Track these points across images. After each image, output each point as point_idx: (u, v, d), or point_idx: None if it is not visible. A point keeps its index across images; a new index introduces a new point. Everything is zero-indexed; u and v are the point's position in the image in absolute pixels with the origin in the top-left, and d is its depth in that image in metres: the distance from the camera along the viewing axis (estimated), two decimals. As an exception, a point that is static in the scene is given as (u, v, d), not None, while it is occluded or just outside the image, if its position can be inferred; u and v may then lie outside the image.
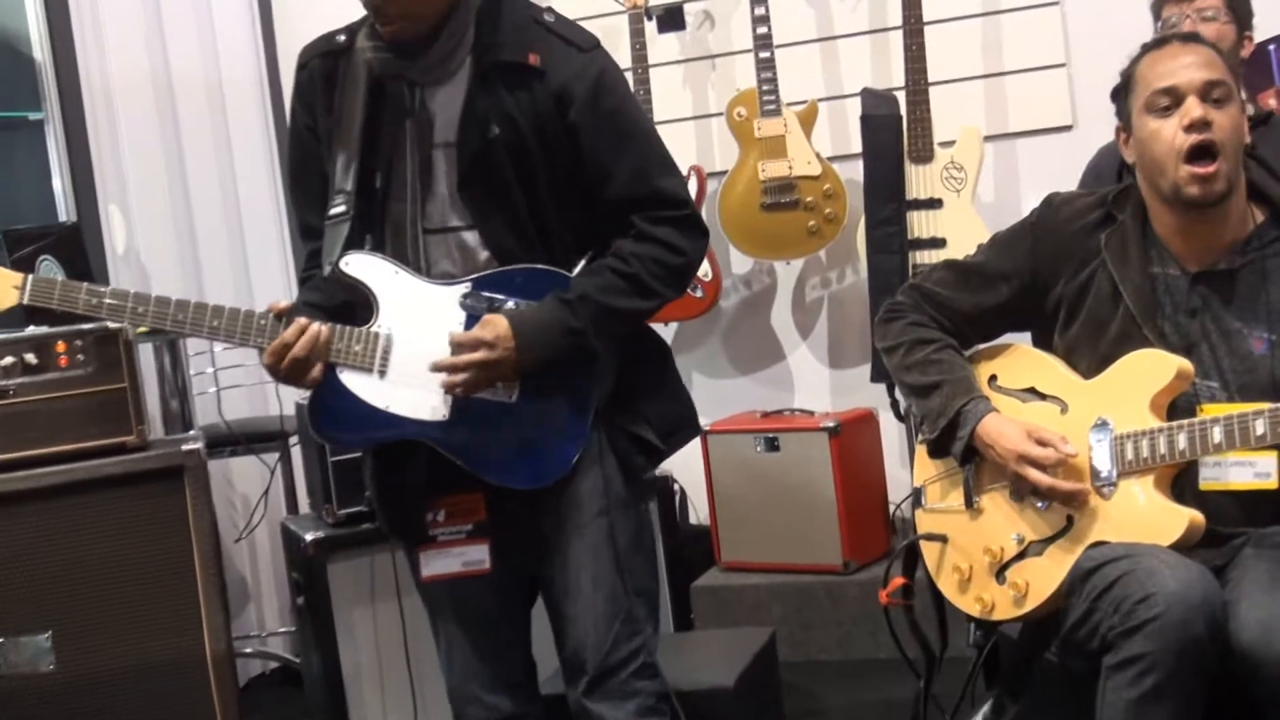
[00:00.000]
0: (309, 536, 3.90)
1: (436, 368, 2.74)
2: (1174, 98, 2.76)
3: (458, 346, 2.73)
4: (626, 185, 2.80)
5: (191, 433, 4.40)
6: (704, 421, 4.79)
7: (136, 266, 5.22)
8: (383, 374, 2.78)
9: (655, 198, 2.82)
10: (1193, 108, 2.73)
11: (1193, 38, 2.85)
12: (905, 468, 4.57)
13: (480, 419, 2.78)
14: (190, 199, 5.37)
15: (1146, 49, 2.87)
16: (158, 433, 4.63)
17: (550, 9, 2.88)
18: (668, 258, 2.81)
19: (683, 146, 5.18)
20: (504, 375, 2.75)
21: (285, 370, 2.74)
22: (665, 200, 2.83)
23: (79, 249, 4.59)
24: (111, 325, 3.66)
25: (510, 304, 2.77)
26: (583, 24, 2.88)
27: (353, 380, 2.78)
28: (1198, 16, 3.69)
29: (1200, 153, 2.72)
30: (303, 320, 2.74)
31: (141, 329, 3.15)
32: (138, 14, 5.26)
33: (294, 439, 4.84)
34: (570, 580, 2.85)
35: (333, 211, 2.82)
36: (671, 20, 5.19)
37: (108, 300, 2.75)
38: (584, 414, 2.81)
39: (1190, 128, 2.72)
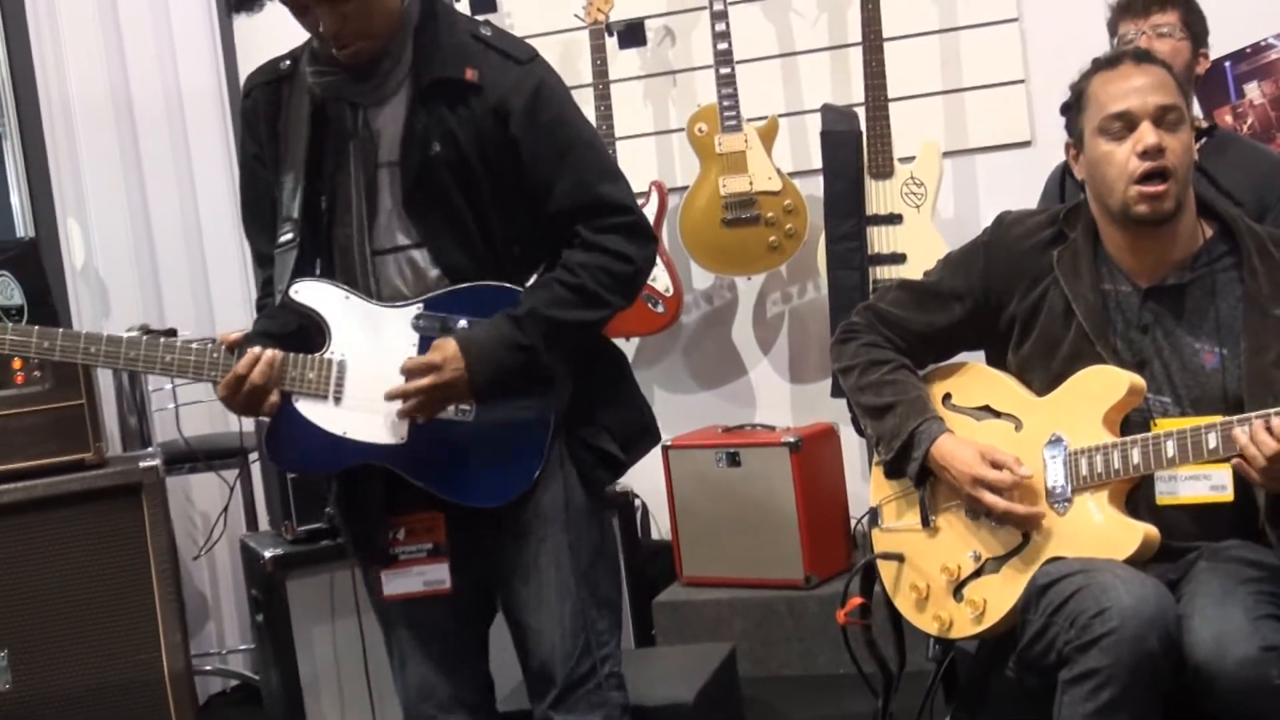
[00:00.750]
0: (268, 553, 3.89)
1: (390, 396, 2.74)
2: (1127, 122, 2.77)
3: (408, 373, 2.73)
4: (569, 195, 2.79)
5: (149, 450, 4.39)
6: (665, 437, 4.80)
7: (95, 282, 5.20)
8: (338, 400, 2.78)
9: (599, 206, 2.81)
10: (1147, 134, 2.74)
11: (1145, 57, 2.85)
12: (866, 482, 4.57)
13: (438, 440, 2.78)
14: (149, 214, 5.34)
15: (1098, 66, 2.88)
16: (116, 450, 4.60)
17: (488, 22, 2.87)
18: (615, 266, 2.80)
19: (644, 162, 5.18)
20: (458, 396, 2.75)
21: (242, 400, 2.73)
22: (609, 208, 2.82)
23: (37, 264, 4.56)
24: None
25: (463, 323, 2.76)
26: (544, 39, 2.89)
27: (308, 408, 2.78)
28: (1153, 33, 3.69)
29: (1151, 175, 2.74)
30: (255, 350, 2.73)
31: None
32: (97, 29, 5.24)
33: (254, 455, 4.82)
34: (534, 593, 2.84)
35: (281, 239, 2.81)
36: (632, 36, 5.19)
37: (60, 343, 2.75)
38: (542, 429, 2.81)
39: (1144, 154, 2.73)
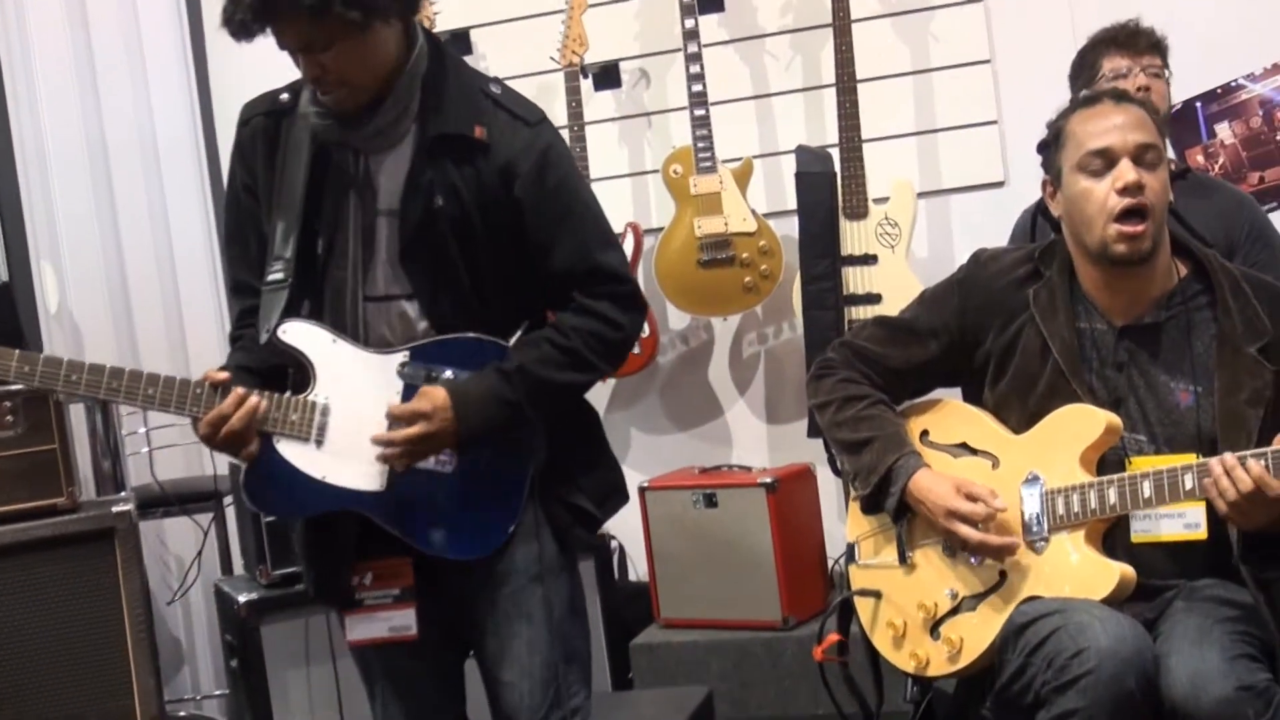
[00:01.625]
0: (242, 598, 3.87)
1: (376, 441, 2.73)
2: (1107, 159, 2.78)
3: (395, 420, 2.72)
4: (568, 260, 2.80)
5: (123, 494, 4.35)
6: (642, 478, 4.81)
7: (69, 325, 5.18)
8: (319, 443, 2.76)
9: (596, 273, 2.82)
10: (1126, 171, 2.75)
11: (1124, 96, 2.87)
12: (843, 522, 4.56)
13: (417, 489, 2.77)
14: (124, 258, 5.34)
15: (1077, 105, 2.89)
16: (90, 494, 4.57)
17: (497, 79, 2.87)
18: (606, 332, 2.82)
19: (619, 203, 5.18)
20: (441, 447, 2.75)
21: (221, 441, 2.72)
22: (606, 275, 2.83)
23: (11, 307, 4.55)
24: (43, 386, 3.63)
25: (448, 373, 2.76)
26: (519, 81, 2.88)
27: (289, 449, 2.76)
28: (1146, 73, 3.69)
29: (1130, 213, 2.75)
30: (240, 391, 2.71)
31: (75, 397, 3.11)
32: (71, 71, 5.24)
33: (228, 499, 4.80)
34: (504, 646, 2.83)
35: (271, 278, 2.79)
36: (607, 78, 5.21)
37: (41, 368, 2.71)
38: (520, 484, 2.81)
39: (1124, 191, 2.75)
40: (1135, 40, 3.74)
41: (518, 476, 2.81)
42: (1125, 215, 2.75)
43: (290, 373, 2.82)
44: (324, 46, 2.64)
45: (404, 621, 2.84)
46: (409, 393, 2.76)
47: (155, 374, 2.73)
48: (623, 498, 3.00)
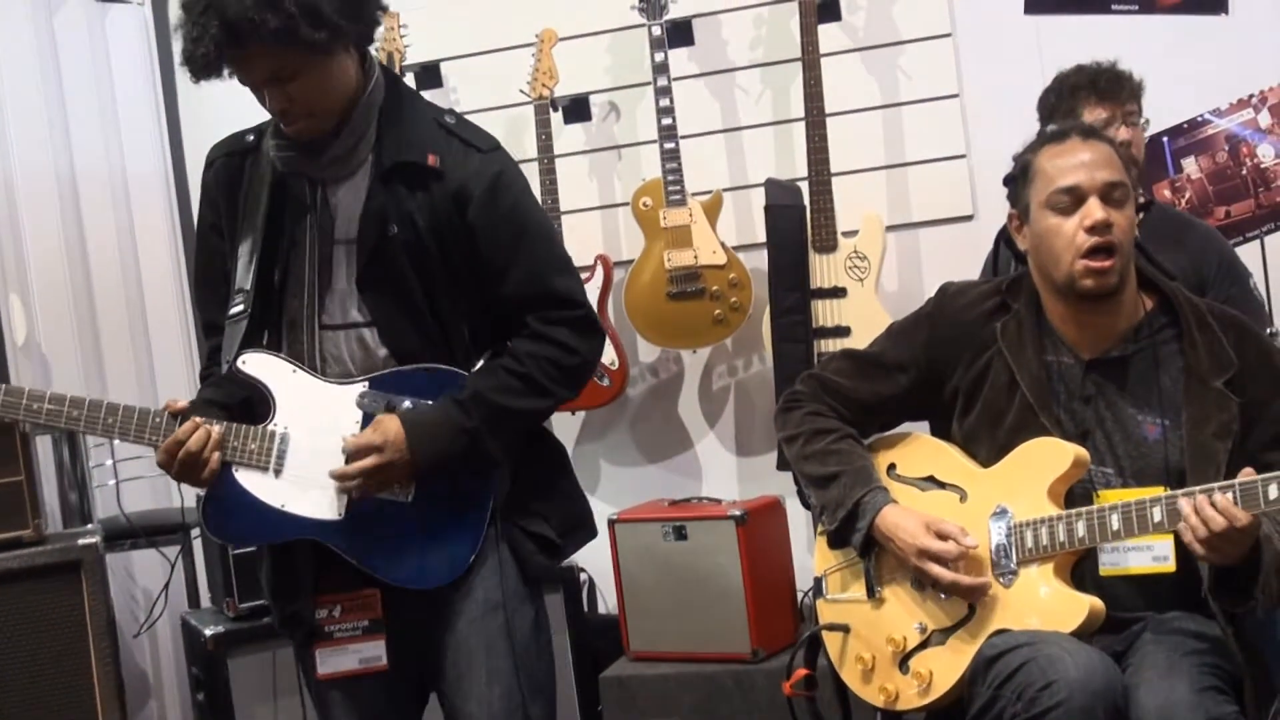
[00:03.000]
0: (209, 631, 3.85)
1: (333, 476, 2.73)
2: (1075, 196, 2.79)
3: (352, 453, 2.73)
4: (522, 285, 2.81)
5: (89, 526, 4.34)
6: (612, 510, 4.79)
7: (37, 357, 5.15)
8: (278, 473, 2.77)
9: (550, 297, 2.84)
10: (1095, 209, 2.77)
11: (1092, 133, 2.87)
12: (813, 555, 4.58)
13: (376, 518, 2.78)
14: (93, 290, 5.32)
15: (1045, 140, 2.90)
16: (56, 526, 4.55)
17: (452, 110, 2.90)
18: (562, 358, 2.83)
19: (589, 236, 5.18)
20: (398, 477, 2.76)
21: (179, 468, 2.73)
22: (560, 300, 2.85)
23: (-23, 339, 4.53)
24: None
25: (407, 403, 2.77)
26: (489, 114, 2.90)
27: (248, 479, 2.77)
28: (1127, 123, 3.69)
29: (1098, 250, 2.76)
30: (197, 419, 2.74)
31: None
32: (40, 104, 5.22)
33: (195, 531, 4.77)
34: (465, 678, 2.83)
35: (232, 310, 2.82)
36: (577, 111, 5.22)
37: (3, 398, 2.72)
38: (480, 513, 2.82)
39: (1092, 229, 2.76)
40: (1117, 90, 3.72)
41: (479, 506, 2.81)
42: (1093, 251, 2.76)
43: (258, 409, 2.83)
44: (290, 75, 2.67)
45: (374, 653, 2.85)
46: (368, 421, 2.78)
47: (115, 403, 2.76)
48: (589, 532, 3.01)
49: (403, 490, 2.78)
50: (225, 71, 2.69)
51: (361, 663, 2.84)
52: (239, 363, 2.77)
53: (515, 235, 2.81)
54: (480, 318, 2.85)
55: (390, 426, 2.73)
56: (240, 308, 2.81)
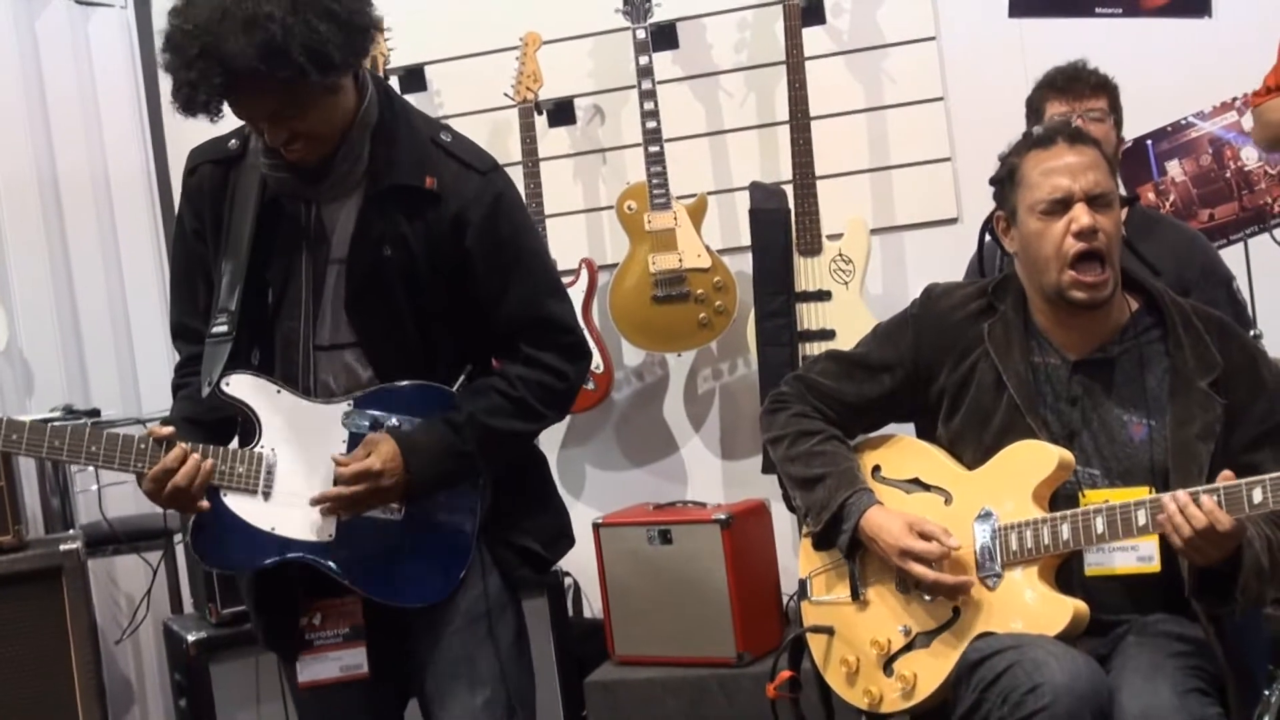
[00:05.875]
0: (191, 637, 3.83)
1: (325, 498, 2.71)
2: (1062, 202, 2.78)
3: (351, 477, 2.70)
4: (517, 310, 2.80)
5: (71, 532, 4.31)
6: (597, 514, 4.78)
7: (19, 363, 5.13)
8: (267, 495, 2.75)
9: (544, 323, 2.83)
10: (1081, 215, 2.76)
11: (1079, 136, 2.86)
12: (798, 558, 4.58)
13: (366, 537, 2.76)
14: (75, 295, 5.30)
15: (1031, 143, 2.89)
16: (38, 532, 4.53)
17: (448, 127, 2.85)
18: (553, 383, 2.83)
19: (573, 239, 5.18)
20: (392, 499, 2.74)
21: (168, 495, 2.68)
22: (554, 325, 2.84)
23: (-41, 345, 4.52)
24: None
25: (392, 420, 2.76)
26: (473, 117, 2.87)
27: (236, 502, 2.74)
28: (1087, 117, 3.71)
29: (1086, 257, 2.76)
30: (185, 446, 2.69)
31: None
32: (22, 109, 5.21)
33: (178, 537, 4.76)
34: (448, 687, 2.82)
35: (214, 330, 2.77)
36: (562, 114, 5.21)
37: None
38: (469, 528, 2.81)
39: (1079, 235, 2.76)
40: (1074, 85, 3.78)
41: (466, 521, 2.80)
42: (1080, 260, 2.76)
43: (239, 422, 2.81)
44: (296, 114, 2.61)
45: (355, 660, 2.83)
46: (354, 441, 2.76)
47: (98, 431, 2.70)
48: (570, 541, 3.01)
49: (392, 509, 2.76)
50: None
51: (343, 670, 2.82)
52: (223, 385, 2.73)
53: (512, 261, 2.79)
54: (466, 338, 2.83)
55: (386, 450, 2.71)
56: (224, 328, 2.76)
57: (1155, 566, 2.66)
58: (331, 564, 2.75)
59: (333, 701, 2.87)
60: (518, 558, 2.85)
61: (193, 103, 2.56)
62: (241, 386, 2.75)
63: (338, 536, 2.75)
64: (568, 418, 5.19)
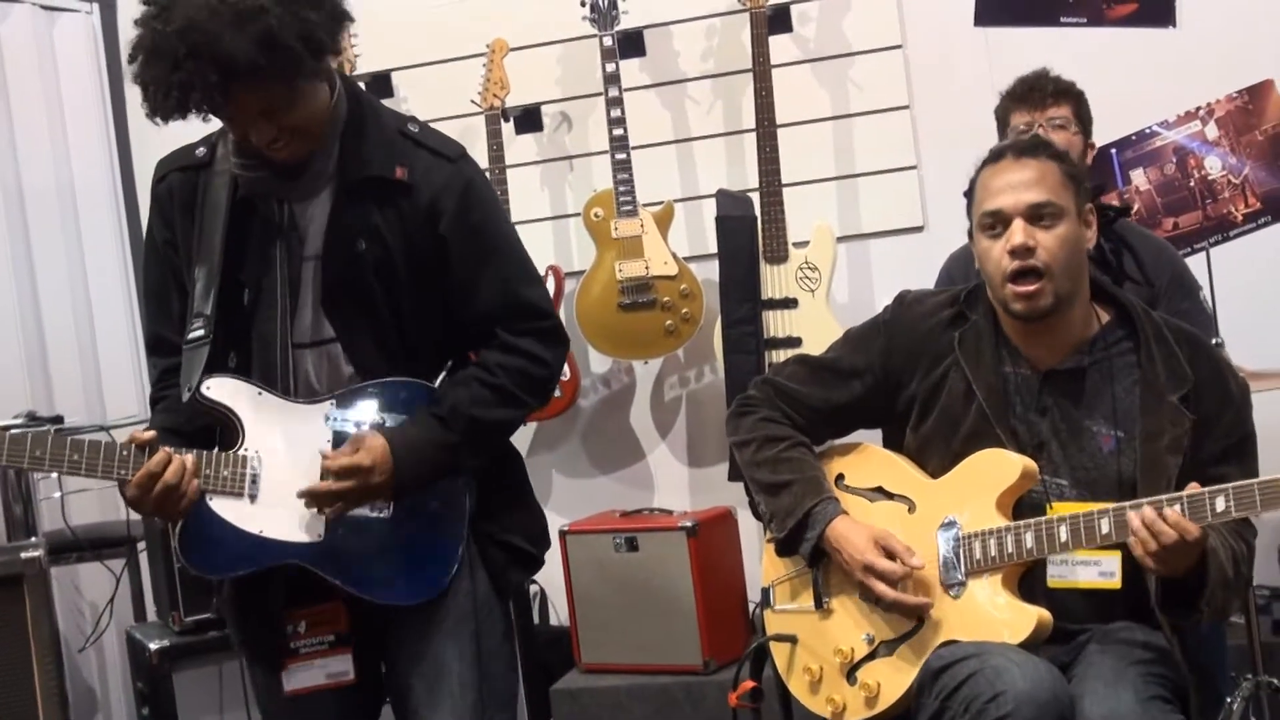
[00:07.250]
0: (154, 645, 3.82)
1: (312, 492, 2.69)
2: (1001, 220, 2.79)
3: (339, 471, 2.68)
4: (492, 296, 2.79)
5: (33, 539, 4.27)
6: (563, 521, 4.79)
7: (-17, 374, 5.10)
8: (253, 498, 2.72)
9: (520, 309, 2.82)
10: (1015, 232, 2.75)
11: (1028, 150, 2.84)
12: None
13: (356, 535, 2.74)
14: (40, 305, 5.27)
15: (986, 159, 2.89)
16: (0, 539, 4.50)
17: (414, 118, 2.85)
18: (532, 369, 2.82)
19: (540, 246, 5.17)
20: (380, 496, 2.73)
21: (155, 499, 2.64)
22: (529, 311, 2.83)
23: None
24: (-53, 429, 3.56)
25: (376, 417, 2.74)
26: (440, 124, 2.87)
27: (223, 506, 2.71)
28: (1049, 125, 3.72)
29: (1023, 274, 2.76)
30: (168, 449, 2.66)
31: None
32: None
33: (141, 544, 4.73)
34: (432, 687, 2.80)
35: (191, 335, 2.75)
36: (529, 121, 5.22)
37: None
38: (458, 523, 2.80)
39: (1013, 253, 2.75)
40: (1033, 94, 3.79)
41: (456, 516, 2.79)
42: (1017, 276, 2.76)
43: (218, 431, 2.78)
44: (286, 108, 2.60)
45: (341, 667, 2.81)
46: (338, 439, 2.74)
47: (79, 439, 2.65)
48: (549, 541, 3.00)
49: (380, 506, 2.75)
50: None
51: (329, 676, 2.80)
52: (203, 388, 2.70)
53: (487, 248, 2.79)
54: (443, 329, 2.82)
55: (375, 445, 2.69)
56: (200, 332, 2.73)
57: (1116, 583, 2.66)
58: (323, 566, 2.72)
59: (305, 711, 2.83)
60: (507, 555, 2.84)
61: (184, 105, 2.53)
62: (222, 390, 2.73)
63: (327, 537, 2.72)
64: (533, 424, 5.19)
